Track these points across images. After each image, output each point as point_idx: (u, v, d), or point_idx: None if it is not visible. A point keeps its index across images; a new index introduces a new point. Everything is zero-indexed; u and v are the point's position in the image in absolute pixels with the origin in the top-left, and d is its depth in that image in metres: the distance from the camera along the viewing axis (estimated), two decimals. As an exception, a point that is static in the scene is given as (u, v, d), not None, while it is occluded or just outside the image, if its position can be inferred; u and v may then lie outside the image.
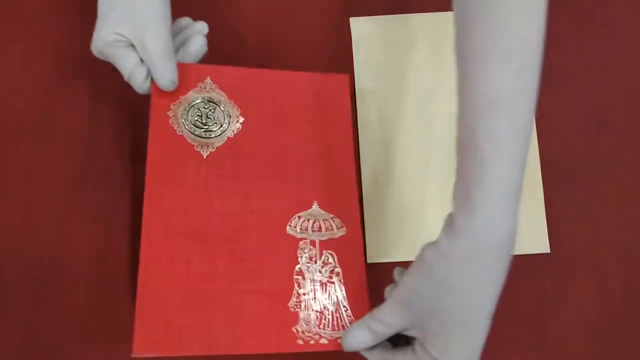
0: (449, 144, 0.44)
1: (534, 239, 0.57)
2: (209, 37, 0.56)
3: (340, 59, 0.62)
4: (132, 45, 0.51)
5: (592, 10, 0.62)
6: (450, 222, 0.40)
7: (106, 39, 0.50)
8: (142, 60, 0.51)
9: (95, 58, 0.54)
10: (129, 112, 0.59)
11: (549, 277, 0.57)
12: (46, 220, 0.56)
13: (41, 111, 0.59)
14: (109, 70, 0.54)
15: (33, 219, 0.56)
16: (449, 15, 0.44)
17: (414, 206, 0.59)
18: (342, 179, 0.57)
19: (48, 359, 0.54)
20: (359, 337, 0.46)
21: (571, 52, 0.61)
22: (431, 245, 0.42)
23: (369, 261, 0.57)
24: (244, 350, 0.49)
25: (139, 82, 0.52)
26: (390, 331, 0.44)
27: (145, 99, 0.54)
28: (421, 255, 0.42)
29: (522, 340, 0.56)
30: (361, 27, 0.63)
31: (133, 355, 0.46)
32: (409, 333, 0.43)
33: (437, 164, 0.61)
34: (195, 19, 0.57)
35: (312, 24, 0.63)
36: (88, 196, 0.57)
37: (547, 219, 0.58)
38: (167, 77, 0.52)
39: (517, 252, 0.50)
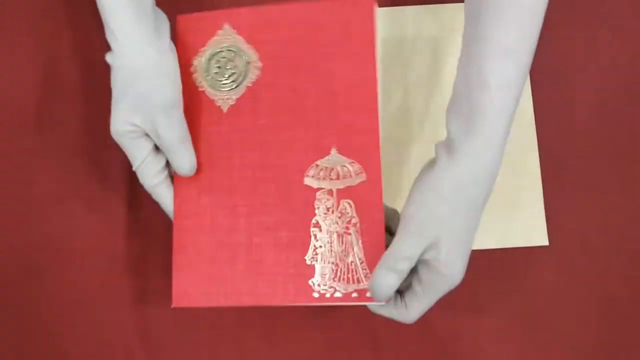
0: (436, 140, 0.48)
1: (533, 231, 0.57)
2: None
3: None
4: (146, 135, 0.49)
5: (593, 1, 0.61)
6: (449, 148, 0.45)
7: (118, 128, 0.48)
8: (156, 149, 0.50)
9: (91, 54, 0.57)
10: None
11: (548, 270, 0.57)
12: (45, 210, 0.58)
13: (40, 104, 0.60)
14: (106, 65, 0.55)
15: (32, 210, 0.58)
16: (440, 8, 0.55)
17: None
18: (363, 119, 0.52)
19: (45, 348, 0.57)
20: (389, 282, 0.45)
21: (571, 45, 0.60)
22: (435, 170, 0.45)
23: None
24: (264, 301, 0.51)
25: (152, 173, 0.50)
26: (412, 265, 0.45)
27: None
28: (424, 181, 0.46)
29: (520, 332, 0.56)
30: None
31: (173, 306, 0.52)
32: (423, 257, 0.45)
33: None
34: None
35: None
36: (86, 186, 0.59)
37: (546, 212, 0.57)
38: (187, 165, 0.50)
39: (516, 245, 0.57)
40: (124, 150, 0.50)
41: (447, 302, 0.53)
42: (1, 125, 0.60)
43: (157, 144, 0.50)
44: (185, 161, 0.50)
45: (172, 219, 0.52)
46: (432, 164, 0.46)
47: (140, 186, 0.52)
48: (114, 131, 0.49)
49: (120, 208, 0.59)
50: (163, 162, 0.51)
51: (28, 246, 0.58)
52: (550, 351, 0.56)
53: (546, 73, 0.59)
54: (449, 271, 0.44)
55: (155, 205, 0.54)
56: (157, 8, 0.51)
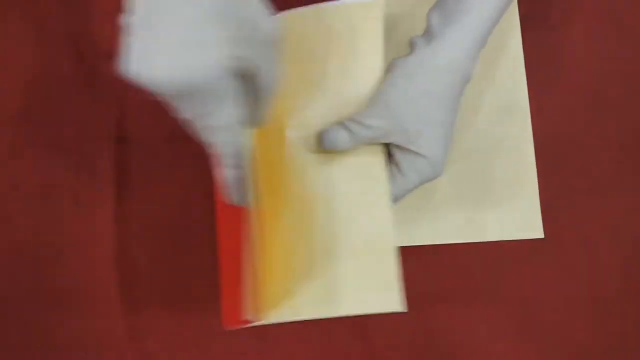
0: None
1: (529, 224, 0.57)
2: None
3: None
4: (241, 78, 0.36)
5: None
6: (427, 38, 0.46)
7: (218, 66, 0.32)
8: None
9: (79, 39, 0.55)
10: (114, 94, 0.58)
11: (544, 263, 0.57)
12: (30, 204, 0.57)
13: (25, 95, 0.58)
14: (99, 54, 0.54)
15: (16, 203, 0.57)
16: None
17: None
18: None
19: (36, 345, 0.56)
20: (338, 136, 0.46)
21: (567, 35, 0.59)
22: (411, 56, 0.46)
23: None
24: None
25: (239, 139, 0.37)
26: (370, 134, 0.46)
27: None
28: (396, 65, 0.46)
29: (516, 325, 0.56)
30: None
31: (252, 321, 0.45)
32: (388, 139, 0.46)
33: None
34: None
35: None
36: (72, 180, 0.57)
37: (541, 205, 0.57)
38: (275, 79, 0.38)
39: (511, 238, 0.57)
40: (202, 99, 0.34)
41: (441, 295, 0.56)
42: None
43: (258, 86, 0.37)
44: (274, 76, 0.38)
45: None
46: (404, 55, 0.46)
47: (131, 180, 0.52)
48: (201, 69, 0.32)
49: (108, 203, 0.57)
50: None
51: (17, 243, 0.57)
52: (545, 344, 0.55)
53: (542, 64, 0.58)
54: (426, 152, 0.45)
55: (145, 198, 0.54)
56: None
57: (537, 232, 0.57)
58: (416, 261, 0.55)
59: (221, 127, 0.35)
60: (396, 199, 0.47)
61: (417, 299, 0.52)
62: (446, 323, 0.56)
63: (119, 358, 0.55)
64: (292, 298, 0.45)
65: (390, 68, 0.47)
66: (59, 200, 0.57)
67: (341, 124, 0.46)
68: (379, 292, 0.46)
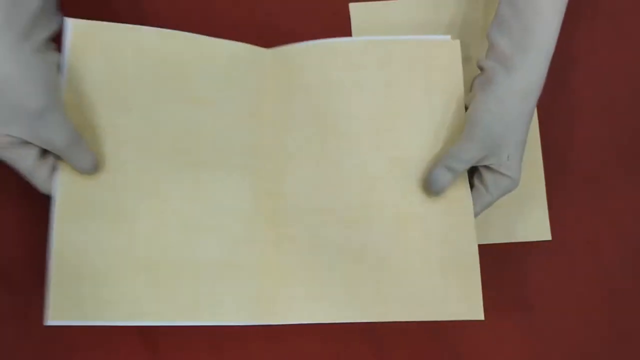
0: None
1: (536, 226, 0.57)
2: (207, 24, 0.54)
3: None
4: (27, 142, 0.45)
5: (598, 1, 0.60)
6: (505, 64, 0.49)
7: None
8: (42, 153, 0.46)
9: None
10: None
11: (551, 265, 0.57)
12: None
13: None
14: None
15: None
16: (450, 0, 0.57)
17: None
18: None
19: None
20: (445, 179, 0.49)
21: (574, 40, 0.59)
22: (494, 83, 0.49)
23: None
24: None
25: (44, 177, 0.46)
26: (465, 167, 0.49)
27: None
28: (486, 92, 0.49)
29: (522, 327, 0.56)
30: (361, 14, 0.59)
31: None
32: (482, 162, 0.49)
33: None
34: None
35: (309, 10, 0.58)
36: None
37: (548, 207, 0.57)
38: (87, 164, 0.47)
39: (518, 240, 0.57)
40: (8, 163, 0.46)
41: None
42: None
43: (50, 149, 0.46)
44: (84, 161, 0.47)
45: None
46: (483, 81, 0.50)
47: None
48: None
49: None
50: (51, 162, 0.47)
51: None
52: (553, 347, 0.56)
53: (550, 67, 0.57)
54: (512, 173, 0.49)
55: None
56: (51, 9, 0.47)
57: (544, 234, 0.57)
58: None
59: (26, 172, 0.46)
60: (476, 214, 0.50)
61: None
62: (452, 324, 0.54)
63: (131, 354, 0.53)
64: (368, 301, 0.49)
65: (475, 94, 0.50)
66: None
67: (442, 165, 0.49)
68: (462, 302, 0.49)
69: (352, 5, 0.58)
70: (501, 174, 0.49)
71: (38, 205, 0.50)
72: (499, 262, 0.56)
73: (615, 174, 0.58)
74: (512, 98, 0.48)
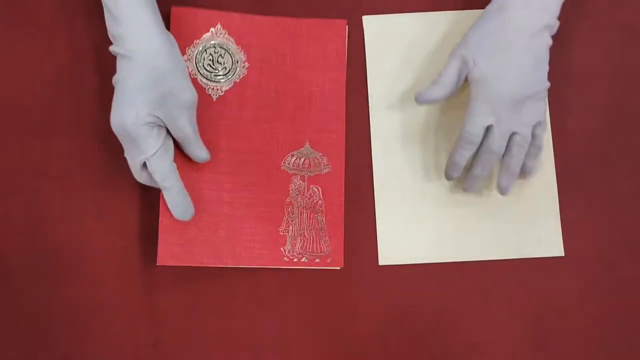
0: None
1: (549, 242, 0.58)
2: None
3: (351, 59, 0.63)
4: (160, 126, 0.54)
5: (608, 10, 0.61)
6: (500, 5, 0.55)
7: (140, 119, 0.52)
8: (165, 141, 0.54)
9: (103, 53, 0.58)
10: None
11: (564, 281, 0.58)
12: (56, 216, 0.59)
13: (50, 107, 0.61)
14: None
15: (43, 215, 0.59)
16: (463, 14, 0.60)
17: (427, 209, 0.61)
18: (332, 121, 0.63)
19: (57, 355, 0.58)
20: (434, 94, 0.58)
21: (588, 53, 0.61)
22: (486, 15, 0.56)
23: (381, 263, 0.61)
24: (242, 263, 0.62)
25: (167, 161, 0.54)
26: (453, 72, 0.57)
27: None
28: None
29: (535, 343, 0.57)
30: (374, 26, 0.63)
31: (157, 264, 0.60)
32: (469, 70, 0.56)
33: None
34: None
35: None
36: (97, 192, 0.60)
37: (562, 223, 0.58)
38: (204, 155, 0.58)
39: (531, 255, 0.57)
40: (134, 139, 0.52)
41: (461, 311, 0.58)
42: (9, 130, 0.61)
43: (176, 136, 0.56)
44: (202, 152, 0.58)
45: (179, 209, 0.58)
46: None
47: (149, 191, 0.60)
48: (128, 121, 0.52)
49: (131, 214, 0.61)
50: (172, 151, 0.56)
51: (39, 254, 0.60)
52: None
53: (562, 80, 0.59)
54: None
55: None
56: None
57: (557, 250, 0.58)
58: (437, 277, 0.59)
59: (149, 159, 0.53)
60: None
61: (437, 314, 0.57)
62: (465, 339, 0.58)
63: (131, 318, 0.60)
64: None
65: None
66: (81, 213, 0.61)
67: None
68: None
69: (365, 18, 0.64)
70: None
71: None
72: (511, 278, 0.58)
73: (629, 191, 0.59)
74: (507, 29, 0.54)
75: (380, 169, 0.63)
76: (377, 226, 0.61)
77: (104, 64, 0.61)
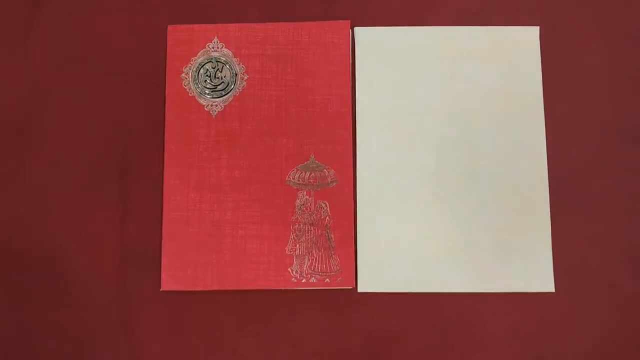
0: (455, 167, 0.58)
1: (540, 277, 0.57)
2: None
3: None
4: None
5: (613, 17, 0.60)
6: None
7: None
8: None
9: (87, 56, 0.58)
10: (134, 110, 0.61)
11: (553, 318, 0.57)
12: (64, 215, 0.60)
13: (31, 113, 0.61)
14: (102, 71, 0.56)
15: (52, 214, 0.60)
16: (454, 30, 0.60)
17: (409, 238, 0.59)
18: (338, 131, 0.60)
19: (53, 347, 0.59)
20: None
21: (590, 65, 0.60)
22: None
23: (360, 290, 0.58)
24: (246, 285, 0.59)
25: None
26: None
27: (144, 94, 0.61)
28: None
29: None
30: (365, 37, 0.61)
31: (161, 290, 0.58)
32: None
33: (442, 188, 0.59)
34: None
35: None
36: (103, 193, 0.60)
37: (553, 258, 0.57)
38: None
39: (521, 290, 0.57)
40: None
41: (450, 347, 0.57)
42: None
43: None
44: None
45: None
46: None
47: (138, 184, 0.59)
48: None
49: (137, 214, 0.61)
50: None
51: (45, 250, 0.60)
52: None
53: (559, 107, 0.59)
54: None
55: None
56: None
57: (547, 285, 0.57)
58: (424, 310, 0.57)
59: None
60: None
61: (426, 350, 0.56)
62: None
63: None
64: None
65: None
66: (90, 213, 0.61)
67: None
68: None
69: (357, 30, 0.61)
70: None
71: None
72: (500, 313, 0.57)
73: (621, 226, 0.58)
74: None
75: (364, 184, 0.59)
76: (357, 250, 0.58)
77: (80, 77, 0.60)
